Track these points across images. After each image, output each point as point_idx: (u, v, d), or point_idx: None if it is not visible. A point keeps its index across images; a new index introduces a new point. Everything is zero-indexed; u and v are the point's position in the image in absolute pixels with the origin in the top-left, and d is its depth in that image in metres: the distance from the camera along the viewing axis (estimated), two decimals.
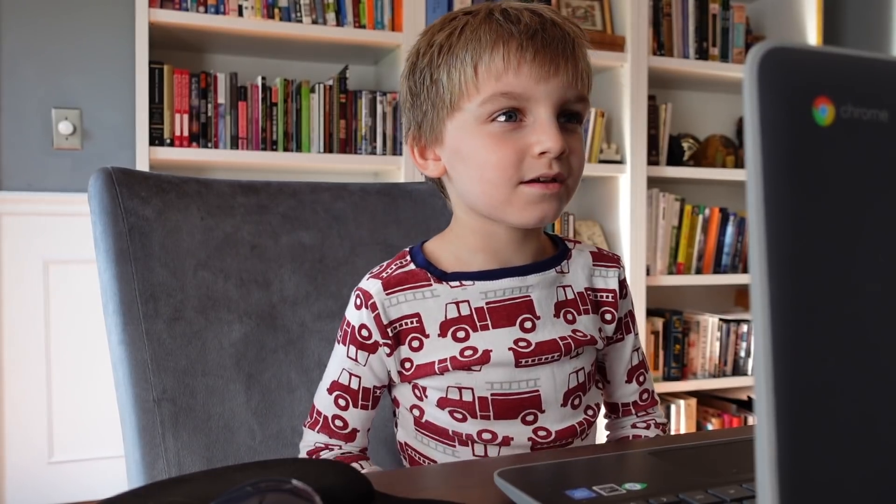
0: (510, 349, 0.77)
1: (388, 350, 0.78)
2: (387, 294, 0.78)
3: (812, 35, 2.80)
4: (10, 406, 2.27)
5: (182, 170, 2.26)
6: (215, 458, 0.87)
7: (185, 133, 2.23)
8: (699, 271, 2.75)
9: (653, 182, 2.68)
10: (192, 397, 0.87)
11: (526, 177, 0.74)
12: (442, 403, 0.78)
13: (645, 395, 0.89)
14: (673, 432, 2.68)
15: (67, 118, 2.34)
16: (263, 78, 2.32)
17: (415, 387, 0.79)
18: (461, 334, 0.78)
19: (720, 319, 2.74)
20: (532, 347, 0.78)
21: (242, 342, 0.92)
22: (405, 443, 0.83)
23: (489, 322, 0.78)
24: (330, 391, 0.80)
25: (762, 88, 0.27)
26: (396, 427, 0.85)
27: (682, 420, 2.69)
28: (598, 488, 0.49)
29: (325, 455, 0.79)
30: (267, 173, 2.47)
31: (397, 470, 0.67)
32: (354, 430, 0.79)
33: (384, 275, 0.80)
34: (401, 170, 2.37)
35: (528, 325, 0.78)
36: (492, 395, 0.77)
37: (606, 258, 0.86)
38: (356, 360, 0.79)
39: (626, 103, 2.58)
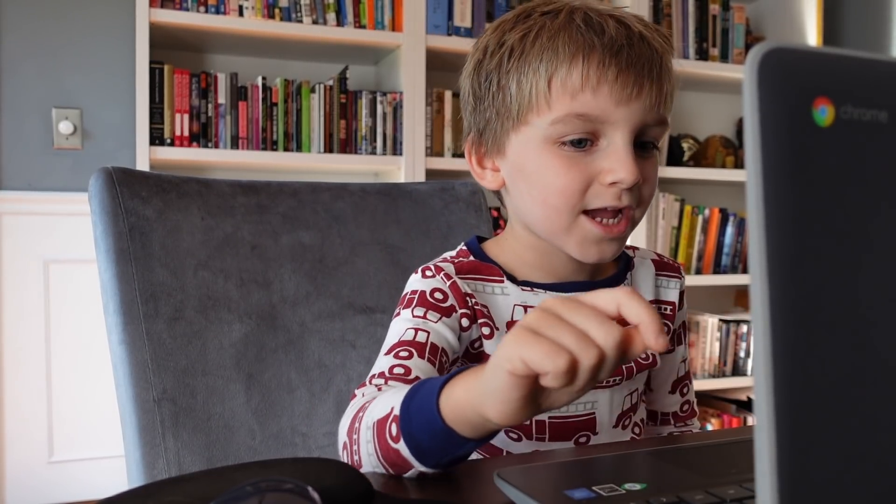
0: None
1: (466, 321, 0.71)
2: (460, 277, 0.73)
3: (812, 35, 2.80)
4: (10, 405, 2.27)
5: (182, 170, 2.26)
6: (215, 457, 0.87)
7: (186, 133, 2.23)
8: (699, 272, 2.75)
9: None
10: (192, 397, 0.88)
11: (591, 205, 0.68)
12: None
13: (686, 407, 0.87)
14: None
15: (68, 118, 2.34)
16: (264, 78, 2.32)
17: None
18: None
19: (720, 320, 2.74)
20: None
21: (242, 342, 0.92)
22: None
23: None
24: (388, 352, 0.69)
25: (762, 89, 0.27)
26: None
27: None
28: (598, 488, 0.49)
29: (378, 394, 0.64)
30: (267, 173, 2.47)
31: None
32: (419, 378, 0.66)
33: (452, 260, 0.75)
34: (401, 170, 2.37)
35: None
36: (549, 417, 0.73)
37: (669, 267, 0.82)
38: (425, 317, 0.71)
39: None
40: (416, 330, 0.70)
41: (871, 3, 3.00)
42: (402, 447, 0.54)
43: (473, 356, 0.74)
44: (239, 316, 0.92)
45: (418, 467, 0.54)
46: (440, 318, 0.71)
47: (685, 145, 2.82)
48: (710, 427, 2.73)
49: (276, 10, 2.27)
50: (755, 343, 0.27)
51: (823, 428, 0.27)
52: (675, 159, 2.76)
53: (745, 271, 2.82)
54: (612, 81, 0.66)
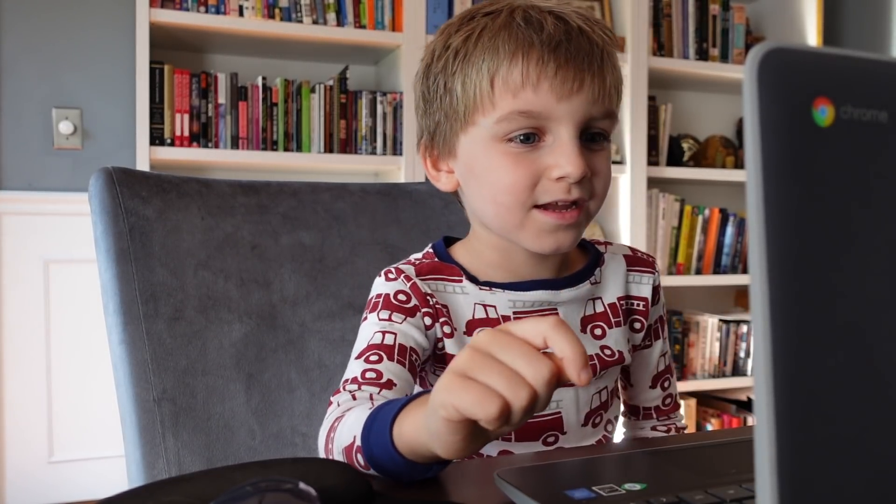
0: None
1: (429, 320, 0.72)
2: (420, 278, 0.74)
3: (812, 35, 2.80)
4: (10, 405, 2.27)
5: (182, 170, 2.26)
6: (215, 457, 0.87)
7: (186, 133, 2.23)
8: (699, 272, 2.75)
9: (653, 182, 2.68)
10: (192, 397, 0.88)
11: (540, 201, 0.68)
12: None
13: (668, 400, 0.87)
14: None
15: (68, 118, 2.34)
16: (264, 78, 2.32)
17: None
18: None
19: (720, 320, 2.74)
20: None
21: (242, 342, 0.92)
22: None
23: None
24: (359, 357, 0.70)
25: (762, 89, 0.27)
26: None
27: None
28: (598, 488, 0.49)
29: (354, 405, 0.64)
30: (267, 173, 2.47)
31: None
32: (391, 381, 0.68)
33: (414, 262, 0.76)
34: (401, 170, 2.37)
35: None
36: None
37: (641, 262, 0.82)
38: (390, 319, 0.72)
39: (626, 104, 2.58)
40: (384, 333, 0.71)
41: (871, 3, 3.00)
42: (373, 472, 0.56)
43: (439, 357, 0.74)
44: (239, 316, 0.92)
45: (381, 476, 0.56)
46: (405, 319, 0.72)
47: (685, 145, 2.82)
48: (710, 427, 2.73)
49: (276, 10, 2.27)
50: (755, 343, 0.27)
51: (823, 428, 0.27)
52: (675, 159, 2.76)
53: (745, 271, 2.82)
54: (552, 77, 0.66)
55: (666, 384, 0.86)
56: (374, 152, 2.38)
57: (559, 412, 0.75)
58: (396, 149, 2.39)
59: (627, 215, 2.57)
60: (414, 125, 2.36)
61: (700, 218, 2.75)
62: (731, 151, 2.83)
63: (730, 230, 2.79)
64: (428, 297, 0.73)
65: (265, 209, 0.98)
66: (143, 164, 2.15)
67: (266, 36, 2.27)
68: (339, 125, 2.36)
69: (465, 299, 0.74)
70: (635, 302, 0.81)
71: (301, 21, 2.29)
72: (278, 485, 0.42)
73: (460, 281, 0.75)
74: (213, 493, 0.43)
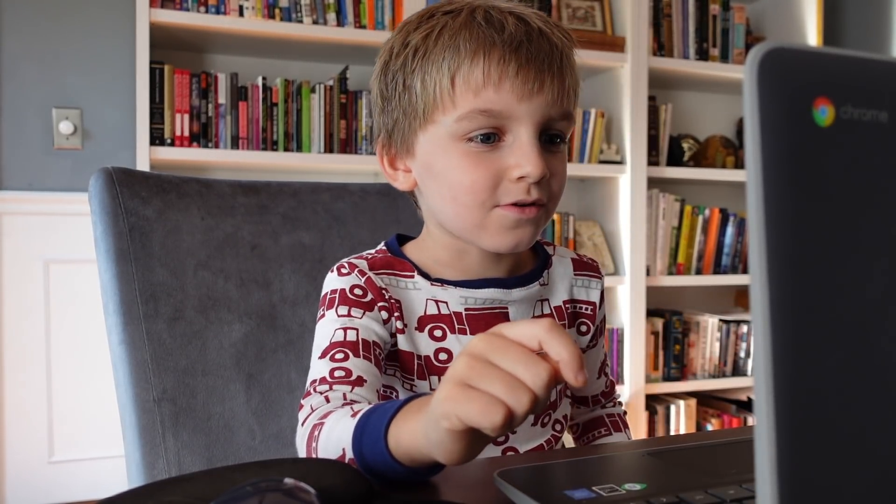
0: None
1: (385, 314, 0.72)
2: (373, 272, 0.74)
3: (812, 35, 2.80)
4: (10, 405, 2.27)
5: (182, 170, 2.26)
6: (215, 457, 0.87)
7: (186, 133, 2.23)
8: (699, 272, 2.75)
9: (653, 182, 2.68)
10: (192, 397, 0.87)
11: (501, 201, 0.69)
12: None
13: (608, 382, 0.90)
14: (672, 432, 2.68)
15: (68, 118, 2.34)
16: (264, 78, 2.32)
17: (388, 396, 0.75)
18: (438, 333, 0.74)
19: (720, 320, 2.74)
20: None
21: (242, 342, 0.92)
22: None
23: (467, 328, 0.74)
24: (323, 356, 0.69)
25: (762, 89, 0.27)
26: None
27: (681, 420, 2.69)
28: (598, 488, 0.49)
29: (330, 408, 0.63)
30: (267, 173, 2.47)
31: None
32: (361, 378, 0.67)
33: (367, 257, 0.76)
34: None
35: None
36: None
37: (588, 266, 0.83)
38: (349, 315, 0.71)
39: (626, 104, 2.58)
40: (345, 329, 0.70)
41: (871, 3, 3.00)
42: (372, 479, 0.56)
43: (392, 354, 0.74)
44: (239, 316, 0.92)
45: (355, 460, 0.55)
46: (364, 314, 0.71)
47: (685, 145, 2.82)
48: (710, 427, 2.73)
49: (277, 10, 2.27)
50: (755, 343, 0.27)
51: (823, 428, 0.27)
52: (675, 159, 2.76)
53: (745, 271, 2.82)
54: (514, 77, 0.66)
55: (607, 370, 0.89)
56: (374, 153, 2.37)
57: None
58: None
59: (627, 215, 2.57)
60: None
61: (700, 218, 2.75)
62: (731, 151, 2.83)
63: (730, 230, 2.79)
64: (383, 291, 0.73)
65: (265, 209, 0.98)
66: (143, 165, 2.15)
67: (266, 36, 2.27)
68: (339, 125, 2.36)
69: (416, 295, 0.74)
70: (582, 305, 0.82)
71: (301, 21, 2.29)
72: (278, 485, 0.42)
73: (412, 276, 0.75)
74: (213, 493, 0.43)
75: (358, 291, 0.72)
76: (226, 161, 2.29)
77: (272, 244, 0.97)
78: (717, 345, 2.73)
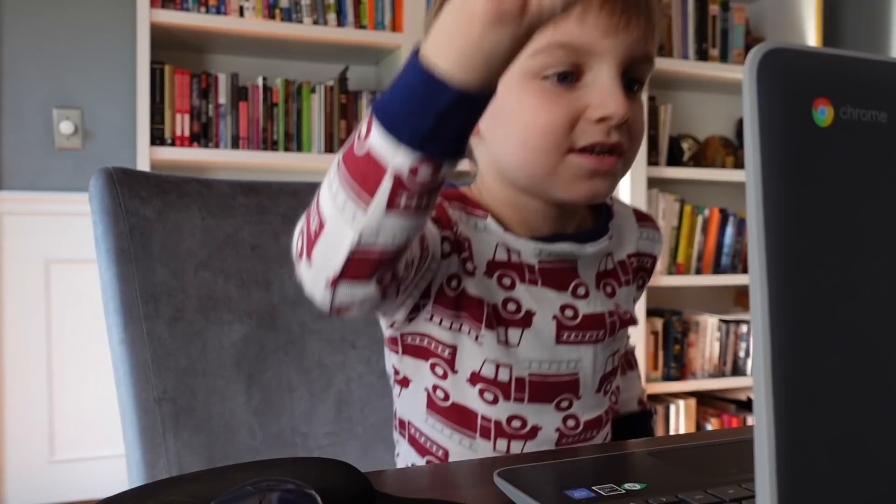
0: (554, 318, 0.68)
1: (447, 247, 0.64)
2: (447, 201, 0.67)
3: (812, 36, 2.80)
4: (11, 405, 2.27)
5: (183, 170, 2.26)
6: (215, 457, 0.87)
7: (186, 133, 2.23)
8: (699, 272, 2.75)
9: (653, 182, 2.68)
10: (192, 397, 0.88)
11: (578, 144, 0.63)
12: (474, 380, 0.68)
13: (629, 355, 0.87)
14: (672, 432, 2.68)
15: (69, 118, 2.34)
16: (264, 78, 2.32)
17: (436, 364, 0.69)
18: (507, 281, 0.67)
19: (720, 320, 2.74)
20: (578, 320, 0.69)
21: (243, 342, 0.92)
22: (409, 422, 0.73)
23: (538, 279, 0.68)
24: None
25: (761, 89, 0.27)
26: (396, 403, 0.75)
27: (681, 420, 2.69)
28: (598, 488, 0.49)
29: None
30: (268, 173, 2.48)
31: (397, 470, 0.67)
32: None
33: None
34: None
35: (581, 291, 0.69)
36: (530, 374, 0.68)
37: (648, 219, 0.79)
38: None
39: None
40: None
41: (871, 3, 3.00)
42: (372, 138, 0.47)
43: (451, 300, 0.67)
44: (239, 316, 0.92)
45: (392, 159, 0.47)
46: (431, 222, 0.65)
47: (685, 145, 2.82)
48: (709, 427, 2.73)
49: (277, 11, 2.27)
50: (755, 343, 0.27)
51: (823, 428, 0.28)
52: (675, 159, 2.76)
53: (745, 271, 2.82)
54: (598, 9, 0.61)
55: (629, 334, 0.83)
56: None
57: (577, 373, 0.70)
58: None
59: None
60: None
61: (700, 218, 2.75)
62: (730, 151, 2.83)
63: (730, 230, 2.79)
64: (453, 224, 0.66)
65: (265, 209, 0.98)
66: (143, 165, 2.15)
67: (266, 36, 2.27)
68: (340, 125, 2.36)
69: (486, 237, 0.68)
70: (646, 259, 0.78)
71: (301, 21, 2.29)
72: (278, 485, 0.42)
73: (484, 218, 0.68)
74: (213, 493, 0.43)
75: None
76: (226, 161, 2.29)
77: (272, 244, 0.97)
78: (717, 345, 2.73)
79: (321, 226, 0.52)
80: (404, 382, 0.73)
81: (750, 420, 2.70)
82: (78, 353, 2.32)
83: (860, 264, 0.28)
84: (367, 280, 0.53)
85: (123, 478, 0.92)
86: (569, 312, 0.69)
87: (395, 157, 0.47)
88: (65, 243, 2.31)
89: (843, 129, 0.28)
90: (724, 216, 2.79)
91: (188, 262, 0.91)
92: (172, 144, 2.22)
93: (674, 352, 2.68)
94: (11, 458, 2.27)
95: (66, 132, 2.33)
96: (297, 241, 0.56)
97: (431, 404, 0.71)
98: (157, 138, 2.19)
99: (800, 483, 0.27)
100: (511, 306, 0.68)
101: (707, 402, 2.82)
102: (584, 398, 0.72)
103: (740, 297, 3.02)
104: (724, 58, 2.79)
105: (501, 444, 0.69)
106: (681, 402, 2.70)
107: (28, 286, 2.29)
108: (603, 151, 0.63)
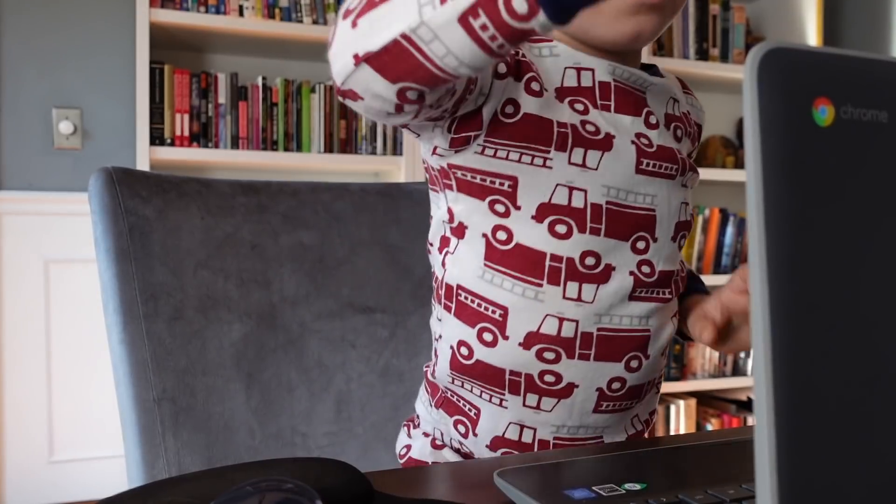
0: (633, 143, 0.65)
1: (504, 67, 0.61)
2: None
3: (812, 36, 2.80)
4: (10, 405, 2.27)
5: (182, 170, 2.26)
6: (215, 457, 0.87)
7: (186, 133, 2.23)
8: (699, 271, 2.76)
9: None
10: (192, 397, 0.88)
11: None
12: (542, 213, 0.63)
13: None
14: (672, 432, 2.68)
15: (68, 118, 2.34)
16: (264, 78, 2.32)
17: (496, 201, 0.64)
18: (579, 107, 0.64)
19: None
20: (654, 149, 0.66)
21: (242, 342, 0.92)
22: (458, 286, 0.68)
23: (612, 104, 0.65)
24: None
25: (762, 89, 0.27)
26: (443, 267, 0.70)
27: (681, 420, 2.69)
28: (598, 488, 0.49)
29: None
30: (267, 173, 2.48)
31: (397, 470, 0.67)
32: None
33: None
34: (401, 170, 2.37)
35: (652, 120, 0.67)
36: (607, 202, 0.64)
37: (691, 92, 0.77)
38: None
39: None
40: None
41: (871, 3, 3.00)
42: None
43: (509, 128, 0.62)
44: (239, 316, 0.92)
45: None
46: None
47: None
48: (709, 427, 2.74)
49: (277, 10, 2.27)
50: (755, 343, 0.27)
51: (823, 428, 0.27)
52: None
53: None
54: None
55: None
56: (374, 152, 2.38)
57: (653, 209, 0.67)
58: (396, 149, 2.39)
59: None
60: None
61: (700, 218, 2.75)
62: (731, 151, 2.83)
63: (730, 230, 2.79)
64: (517, 52, 0.63)
65: (265, 209, 0.98)
66: (143, 164, 2.15)
67: (266, 36, 2.27)
68: (339, 125, 2.36)
69: (554, 62, 0.65)
70: (695, 128, 0.77)
71: (301, 21, 2.29)
72: (278, 485, 0.42)
73: (551, 42, 0.65)
74: (213, 493, 0.43)
75: None
76: (226, 161, 2.29)
77: (272, 244, 0.97)
78: None
79: (384, 2, 0.48)
80: (459, 231, 0.68)
81: (750, 420, 2.70)
82: (77, 353, 2.32)
83: (861, 264, 0.28)
84: (392, 83, 0.50)
85: (123, 478, 0.92)
86: (644, 140, 0.66)
87: None
88: (64, 243, 2.31)
89: (844, 128, 0.28)
90: (725, 216, 2.79)
91: (188, 261, 0.91)
92: (172, 144, 2.22)
93: (674, 352, 2.68)
94: (11, 458, 2.27)
95: (65, 132, 2.33)
96: (354, 5, 0.50)
97: (491, 253, 0.65)
98: (156, 138, 2.19)
99: (800, 483, 0.27)
100: (590, 128, 0.64)
101: (707, 402, 2.82)
102: (661, 242, 0.67)
103: None
104: (724, 57, 2.79)
105: (572, 288, 0.64)
106: (681, 402, 2.70)
107: (27, 286, 2.29)
108: None
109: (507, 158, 0.63)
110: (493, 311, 0.65)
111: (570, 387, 0.65)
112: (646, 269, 0.66)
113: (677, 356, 2.69)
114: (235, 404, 0.90)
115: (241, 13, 2.24)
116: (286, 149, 2.32)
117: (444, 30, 0.46)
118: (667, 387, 2.67)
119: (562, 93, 0.64)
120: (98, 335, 2.23)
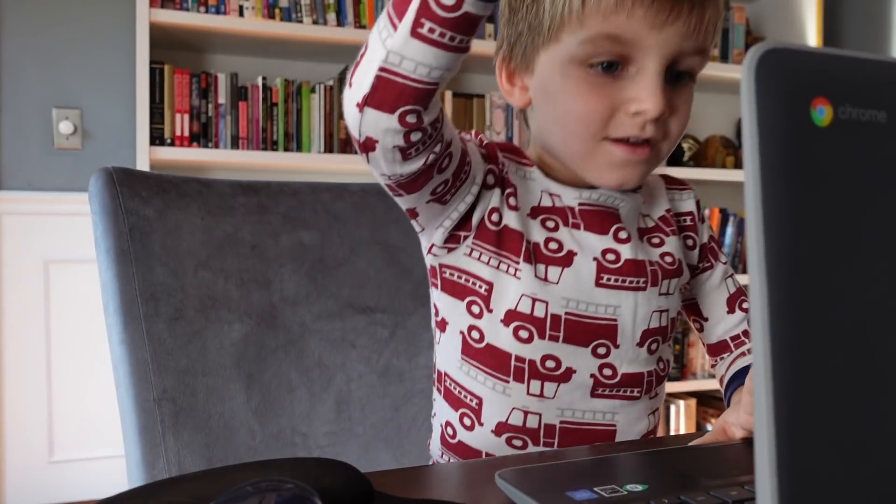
0: (595, 259, 0.70)
1: (491, 178, 0.69)
2: (498, 150, 0.72)
3: (812, 35, 2.80)
4: (10, 405, 2.27)
5: (182, 170, 2.26)
6: (215, 457, 0.87)
7: (186, 133, 2.23)
8: None
9: None
10: (192, 397, 0.88)
11: (613, 134, 0.66)
12: (509, 318, 0.70)
13: (748, 319, 0.80)
14: (672, 432, 2.68)
15: (68, 118, 2.34)
16: (264, 78, 2.32)
17: (473, 302, 0.71)
18: (550, 224, 0.71)
19: None
20: (620, 264, 0.71)
21: (242, 342, 0.92)
22: (445, 373, 0.75)
23: (581, 223, 0.72)
24: None
25: (760, 89, 0.27)
26: (436, 354, 0.78)
27: (681, 420, 2.69)
28: (600, 489, 0.49)
29: None
30: (267, 173, 2.48)
31: (397, 469, 0.67)
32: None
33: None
34: None
35: (622, 235, 0.72)
36: (566, 313, 0.69)
37: (677, 182, 0.81)
38: (461, 132, 0.69)
39: None
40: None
41: (871, 3, 3.00)
42: (385, 26, 0.55)
43: (493, 235, 0.70)
44: (239, 316, 0.92)
45: None
46: (477, 152, 0.69)
47: (685, 145, 2.82)
48: (710, 427, 2.74)
49: (277, 10, 2.27)
50: (755, 342, 0.27)
51: (823, 428, 0.28)
52: (675, 159, 2.75)
53: (745, 271, 2.82)
54: (649, 4, 0.63)
55: (744, 305, 0.80)
56: None
57: (615, 319, 0.71)
58: None
59: None
60: None
61: None
62: (731, 151, 2.83)
63: (730, 230, 2.79)
64: (501, 164, 0.71)
65: (265, 209, 0.98)
66: (143, 164, 2.15)
67: (266, 36, 2.27)
68: (339, 125, 2.36)
69: (532, 185, 0.72)
70: (683, 217, 0.80)
71: (301, 21, 2.29)
72: (278, 485, 0.42)
73: (531, 167, 0.73)
74: (213, 493, 0.43)
75: (473, 145, 0.70)
76: (226, 161, 2.29)
77: (272, 244, 0.97)
78: None
79: (364, 51, 0.57)
80: (442, 325, 0.75)
81: None
82: (77, 353, 2.32)
83: (860, 264, 0.28)
84: (391, 111, 0.56)
85: (123, 478, 0.92)
86: (610, 256, 0.71)
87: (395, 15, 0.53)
88: (64, 243, 2.31)
89: (842, 128, 0.28)
90: (725, 216, 2.79)
91: (188, 261, 0.91)
92: (172, 144, 2.22)
93: (674, 352, 2.68)
94: (11, 458, 2.27)
95: (65, 132, 2.33)
96: (349, 73, 0.59)
97: (466, 348, 0.72)
98: (156, 138, 2.19)
99: (800, 483, 0.27)
100: (553, 245, 0.70)
101: (707, 402, 2.82)
102: (623, 348, 0.71)
103: None
104: (724, 57, 2.79)
105: (535, 386, 0.70)
106: (681, 403, 2.70)
107: (27, 286, 2.29)
108: (637, 142, 0.67)
109: (488, 263, 0.70)
110: (471, 400, 0.73)
111: None
112: (607, 371, 0.71)
113: (677, 356, 2.69)
114: (235, 404, 0.90)
115: (241, 13, 2.24)
116: (286, 149, 2.32)
117: (405, 48, 0.54)
118: (667, 387, 2.66)
119: (537, 211, 0.72)
120: (98, 335, 2.23)
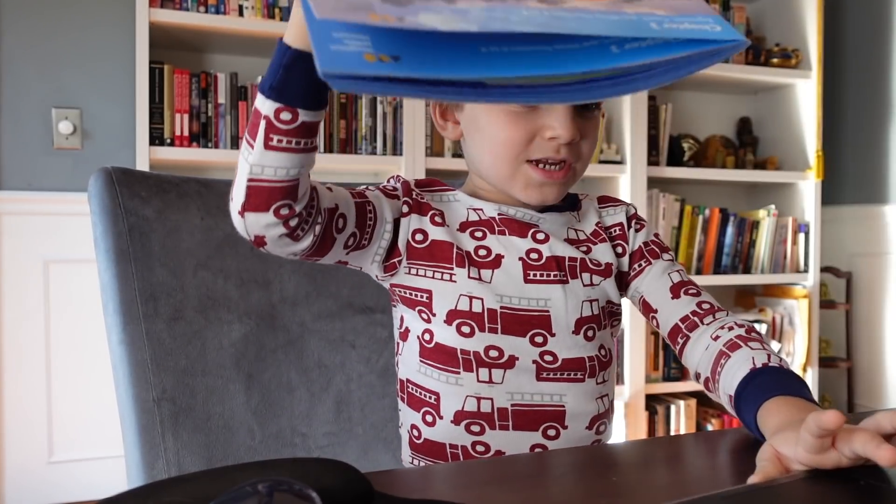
0: (520, 259, 0.81)
1: (407, 208, 0.81)
2: (416, 188, 0.83)
3: (812, 35, 2.80)
4: (10, 405, 2.27)
5: (182, 170, 2.26)
6: (215, 457, 0.87)
7: (186, 133, 2.23)
8: (699, 271, 2.75)
9: (653, 182, 2.68)
10: (191, 397, 0.87)
11: (532, 156, 0.77)
12: (451, 317, 0.79)
13: (705, 305, 0.81)
14: (672, 433, 2.68)
15: (68, 118, 2.34)
16: None
17: (421, 311, 0.81)
18: (479, 234, 0.82)
19: None
20: (542, 261, 0.81)
21: (242, 342, 0.92)
22: (406, 380, 0.84)
23: (505, 229, 0.82)
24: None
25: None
26: (398, 367, 0.86)
27: (681, 420, 2.69)
28: None
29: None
30: None
31: (397, 470, 0.67)
32: (331, 188, 0.76)
33: (412, 179, 0.85)
34: (401, 170, 2.37)
35: (540, 236, 0.82)
36: (501, 307, 0.79)
37: (612, 200, 0.90)
38: (368, 188, 0.81)
39: (626, 104, 2.58)
40: (356, 190, 0.81)
41: (872, 3, 3.00)
42: (257, 98, 0.64)
43: (422, 251, 0.80)
44: (239, 316, 0.92)
45: (262, 107, 0.63)
46: (383, 195, 0.81)
47: (685, 145, 2.82)
48: (710, 427, 2.74)
49: (276, 10, 2.27)
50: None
51: None
52: (675, 159, 2.75)
53: (745, 271, 2.82)
54: None
55: (692, 291, 0.82)
56: (374, 152, 2.37)
57: (547, 311, 0.80)
58: (396, 149, 2.39)
59: None
60: (414, 125, 2.37)
61: (700, 218, 2.75)
62: (731, 151, 2.83)
63: (730, 230, 2.79)
64: (417, 197, 0.82)
65: None
66: (142, 164, 2.14)
67: (266, 36, 2.27)
68: (339, 125, 2.36)
69: (458, 205, 0.84)
70: (611, 228, 0.88)
71: None
72: (278, 485, 0.42)
73: (453, 190, 0.85)
74: (213, 493, 0.43)
75: (390, 187, 0.83)
76: (226, 161, 2.29)
77: None
78: None
79: (237, 172, 0.68)
80: (405, 335, 0.84)
81: None
82: (77, 353, 2.32)
83: None
84: (266, 210, 0.67)
85: (123, 478, 0.92)
86: (534, 255, 0.82)
87: (264, 105, 0.63)
88: (63, 243, 2.31)
89: None
90: (725, 216, 2.79)
91: (187, 261, 0.91)
92: (172, 144, 2.22)
93: (674, 352, 2.68)
94: (10, 458, 2.27)
95: (64, 132, 2.33)
96: (230, 191, 0.69)
97: (423, 350, 0.81)
98: (156, 138, 2.19)
99: None
100: (482, 252, 0.81)
101: (707, 402, 2.82)
102: (560, 336, 0.80)
103: (741, 297, 3.02)
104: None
105: (483, 373, 0.79)
106: (681, 403, 2.70)
107: (27, 286, 2.29)
108: (552, 165, 0.78)
109: (424, 276, 0.81)
110: (430, 397, 0.81)
111: (498, 453, 0.79)
112: (548, 357, 0.80)
113: (676, 358, 2.69)
114: (235, 404, 0.90)
115: (240, 13, 2.24)
116: None
117: (264, 159, 0.65)
118: (667, 387, 2.67)
119: (465, 225, 0.83)
120: (98, 335, 2.22)
